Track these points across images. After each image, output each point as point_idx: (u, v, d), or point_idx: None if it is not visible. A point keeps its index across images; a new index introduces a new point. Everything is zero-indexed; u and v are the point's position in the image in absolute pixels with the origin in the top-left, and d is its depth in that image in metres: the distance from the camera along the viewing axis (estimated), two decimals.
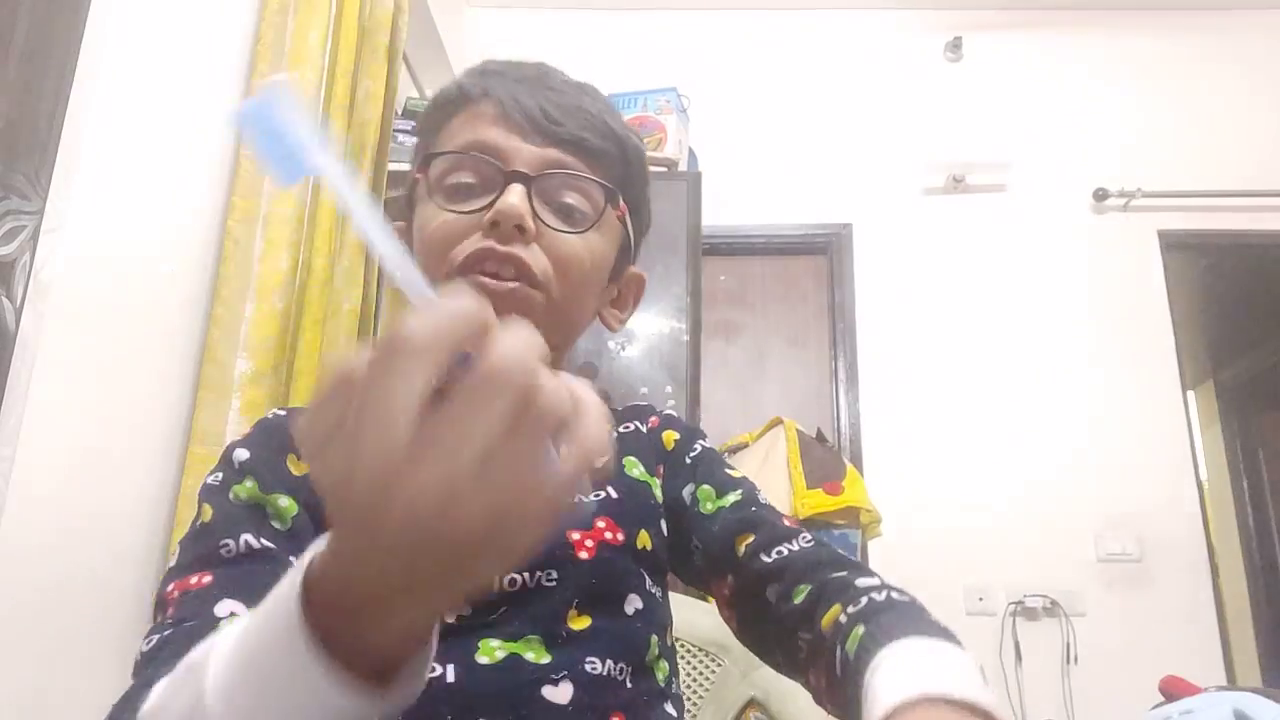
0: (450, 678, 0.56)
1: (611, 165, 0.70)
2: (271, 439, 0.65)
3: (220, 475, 0.62)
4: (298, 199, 1.62)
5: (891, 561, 2.53)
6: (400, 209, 0.74)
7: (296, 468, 0.64)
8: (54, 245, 1.17)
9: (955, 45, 3.23)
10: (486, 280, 0.63)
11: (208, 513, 0.59)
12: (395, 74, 2.05)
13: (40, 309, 1.14)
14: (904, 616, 0.51)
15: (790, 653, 0.62)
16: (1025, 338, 2.93)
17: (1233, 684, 2.50)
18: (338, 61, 1.78)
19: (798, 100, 3.21)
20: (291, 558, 0.57)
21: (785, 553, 0.64)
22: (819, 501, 2.12)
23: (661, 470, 0.74)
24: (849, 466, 2.26)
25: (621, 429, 0.76)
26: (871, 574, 0.60)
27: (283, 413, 0.70)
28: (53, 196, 1.16)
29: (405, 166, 2.18)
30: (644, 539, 0.68)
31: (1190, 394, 3.08)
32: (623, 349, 2.25)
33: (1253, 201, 2.97)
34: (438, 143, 0.70)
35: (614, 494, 0.69)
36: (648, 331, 2.26)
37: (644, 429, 0.77)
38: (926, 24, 3.24)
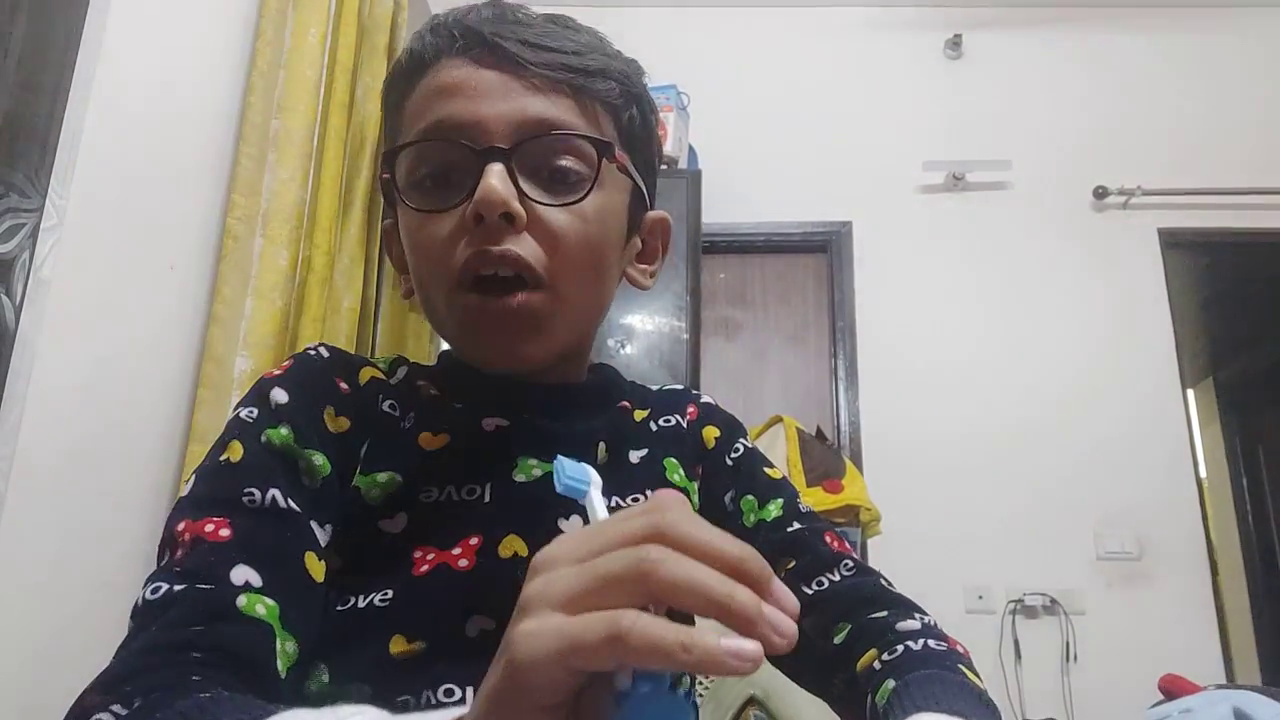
0: None
1: (603, 96, 0.62)
2: (312, 382, 0.59)
3: (254, 412, 0.56)
4: (297, 196, 1.62)
5: (891, 560, 2.53)
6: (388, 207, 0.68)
7: (334, 424, 0.58)
8: (53, 243, 1.17)
9: (955, 43, 3.22)
10: (488, 302, 0.57)
11: (237, 450, 0.54)
12: None
13: (40, 307, 1.14)
14: (934, 680, 0.50)
15: (825, 689, 0.60)
16: (1025, 336, 2.93)
17: (1232, 682, 2.50)
18: (337, 58, 1.78)
19: (798, 98, 3.21)
20: (312, 522, 0.54)
21: (826, 584, 0.61)
22: (819, 500, 2.12)
23: (700, 471, 0.69)
24: (849, 464, 2.26)
25: (661, 422, 0.69)
26: (913, 615, 0.57)
27: (325, 353, 0.62)
28: (52, 194, 1.16)
29: None
30: None
31: (1190, 392, 3.08)
32: (623, 347, 2.25)
33: (1252, 200, 2.97)
34: (400, 125, 0.62)
35: None
36: (647, 330, 2.26)
37: (683, 423, 0.70)
38: (926, 22, 3.24)
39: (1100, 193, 3.02)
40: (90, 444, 1.27)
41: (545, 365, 0.61)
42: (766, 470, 0.69)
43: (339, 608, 0.54)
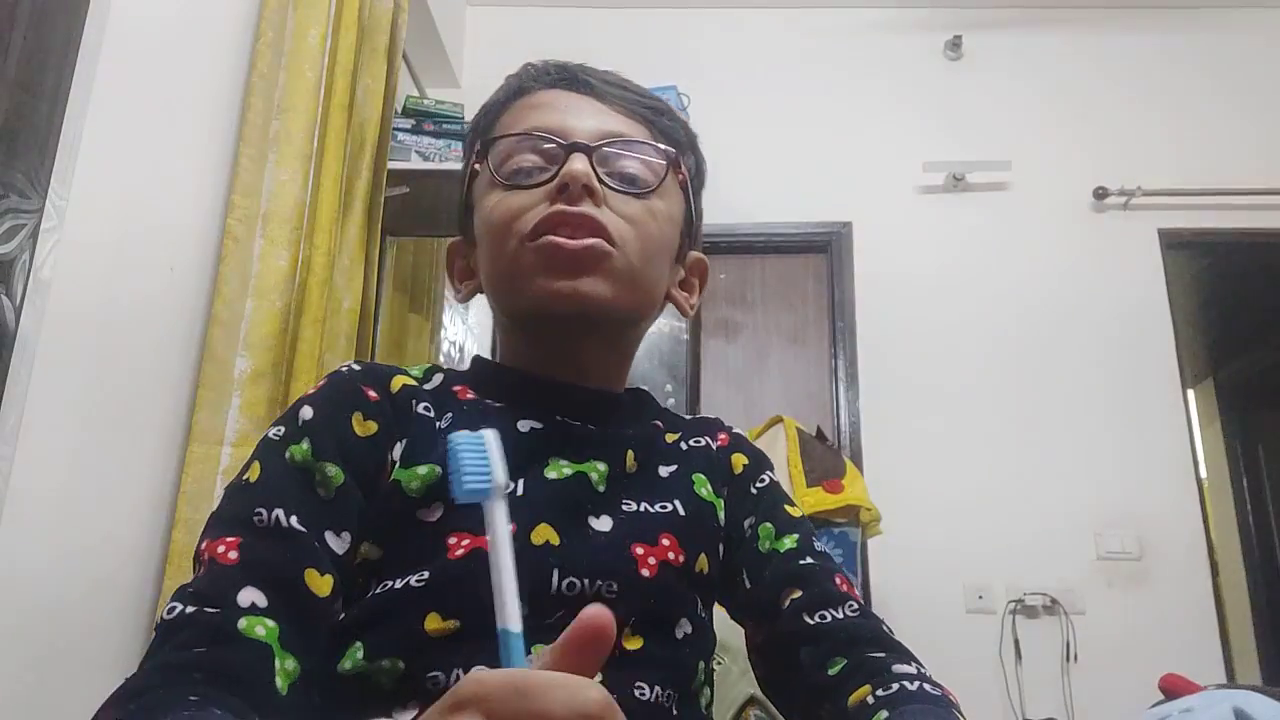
0: None
1: (667, 133, 0.71)
2: (340, 394, 0.63)
3: (282, 430, 0.61)
4: (297, 197, 1.62)
5: (891, 560, 2.54)
6: (452, 222, 0.75)
7: (361, 427, 0.61)
8: (53, 243, 1.17)
9: (955, 44, 3.22)
10: (562, 240, 0.62)
11: (255, 471, 0.58)
12: (395, 72, 2.05)
13: (40, 308, 1.14)
14: (928, 714, 0.51)
15: (810, 717, 0.61)
16: (1025, 336, 2.93)
17: (1232, 682, 2.50)
18: (337, 60, 1.78)
19: (798, 99, 3.21)
20: (328, 533, 0.57)
21: (828, 619, 0.63)
22: (819, 500, 2.12)
23: (726, 493, 0.72)
24: (849, 464, 2.26)
25: (692, 443, 0.73)
26: (910, 660, 0.59)
27: (357, 367, 0.66)
28: (52, 195, 1.16)
29: (405, 165, 2.18)
30: (703, 563, 0.66)
31: (1190, 392, 3.09)
32: None
33: (1252, 200, 2.97)
34: (493, 134, 0.70)
35: (682, 511, 0.66)
36: (647, 330, 2.26)
37: (713, 445, 0.74)
38: (926, 22, 3.24)
39: (1100, 193, 3.02)
40: (90, 445, 1.27)
41: (602, 313, 0.64)
42: (788, 507, 0.73)
43: (376, 591, 0.57)
